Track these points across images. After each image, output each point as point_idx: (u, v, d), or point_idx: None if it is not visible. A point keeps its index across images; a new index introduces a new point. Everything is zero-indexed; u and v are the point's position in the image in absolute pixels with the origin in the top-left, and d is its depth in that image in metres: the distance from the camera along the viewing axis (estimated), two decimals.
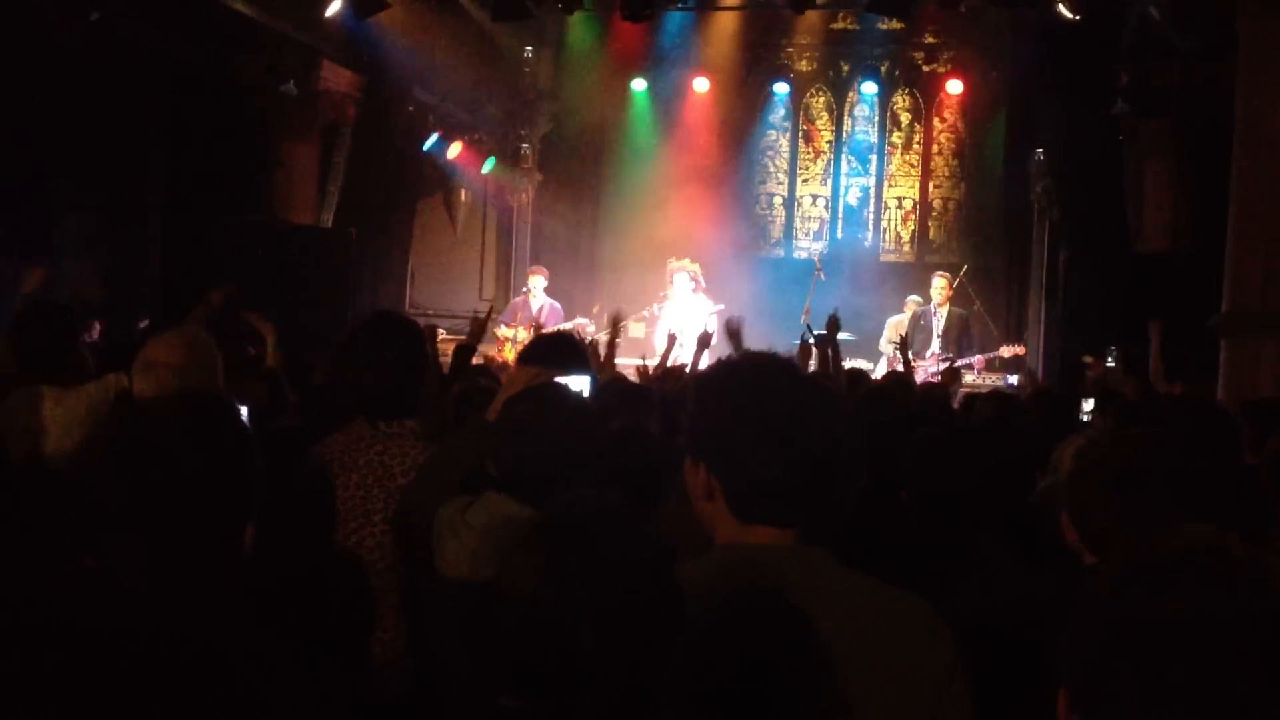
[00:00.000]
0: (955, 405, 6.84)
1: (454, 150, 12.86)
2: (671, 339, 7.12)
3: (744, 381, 1.84)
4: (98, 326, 8.57)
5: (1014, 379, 10.44)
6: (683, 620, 1.55)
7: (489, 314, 6.86)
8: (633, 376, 5.93)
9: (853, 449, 2.84)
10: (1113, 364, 7.95)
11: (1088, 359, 7.98)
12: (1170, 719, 1.11)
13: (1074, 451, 3.25)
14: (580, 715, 1.47)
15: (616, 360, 6.58)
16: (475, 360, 5.76)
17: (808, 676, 1.64)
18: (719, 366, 1.95)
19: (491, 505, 2.59)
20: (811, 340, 5.84)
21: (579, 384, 3.37)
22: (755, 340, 8.82)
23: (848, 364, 6.85)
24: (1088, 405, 5.76)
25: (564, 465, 2.59)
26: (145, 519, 1.71)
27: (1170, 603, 1.14)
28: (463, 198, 13.88)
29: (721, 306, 10.78)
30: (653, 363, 6.76)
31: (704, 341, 6.33)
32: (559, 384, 2.90)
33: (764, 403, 1.78)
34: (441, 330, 11.41)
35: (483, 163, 13.32)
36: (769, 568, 1.75)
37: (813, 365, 5.57)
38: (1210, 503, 1.97)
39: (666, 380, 5.76)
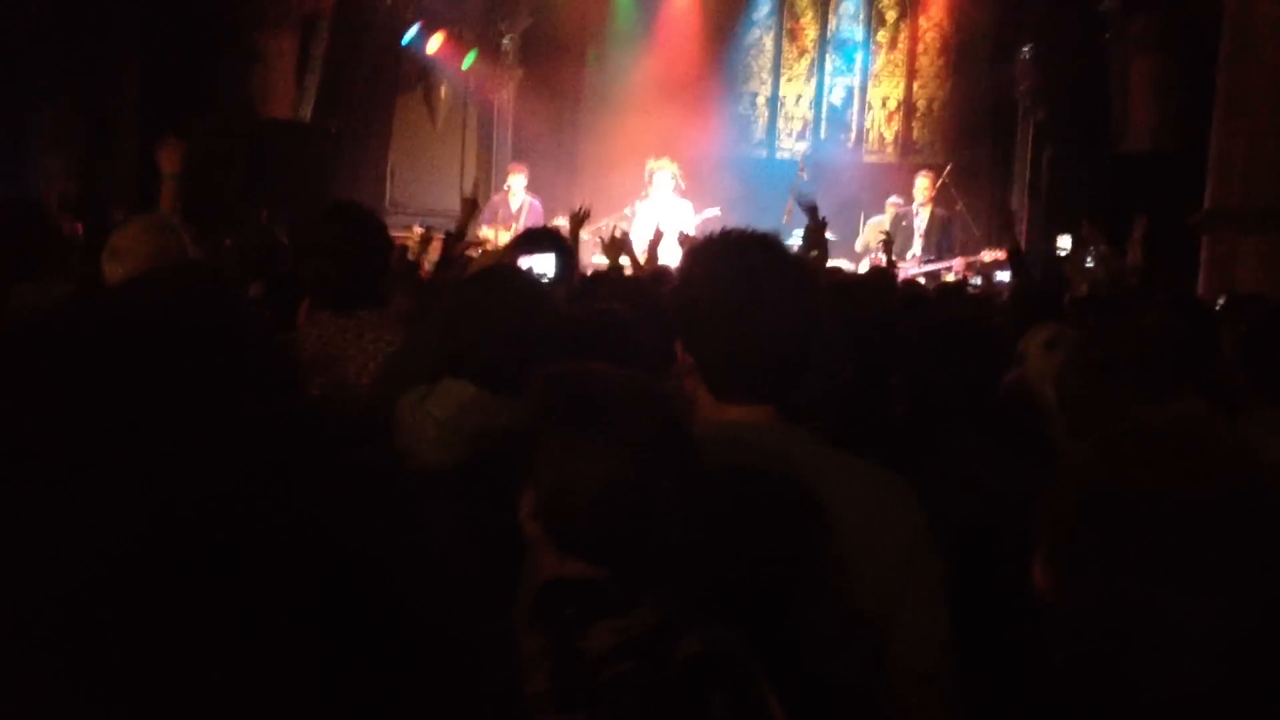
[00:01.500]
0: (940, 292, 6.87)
1: (435, 43, 12.65)
2: (658, 234, 7.09)
3: (718, 259, 1.85)
4: (75, 223, 8.48)
5: (1004, 275, 10.43)
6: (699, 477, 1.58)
7: (474, 199, 6.75)
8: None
9: (832, 334, 2.86)
10: (1091, 263, 7.97)
11: (1061, 246, 7.97)
12: (1140, 587, 1.14)
13: (1041, 341, 3.30)
14: (645, 571, 1.51)
15: (599, 261, 6.57)
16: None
17: (813, 542, 1.69)
18: (701, 243, 1.95)
19: (449, 392, 2.56)
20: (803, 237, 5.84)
21: (544, 263, 3.35)
22: None
23: (830, 264, 6.85)
24: None
25: (516, 347, 2.51)
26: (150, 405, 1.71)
27: (1147, 474, 1.17)
28: (443, 94, 13.69)
29: (716, 212, 10.72)
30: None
31: (685, 243, 6.31)
32: (510, 266, 2.87)
33: (736, 279, 1.79)
34: (419, 229, 11.39)
35: (463, 57, 13.11)
36: (748, 441, 1.78)
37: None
38: (1187, 383, 2.00)
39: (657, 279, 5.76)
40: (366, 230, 3.26)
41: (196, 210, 4.56)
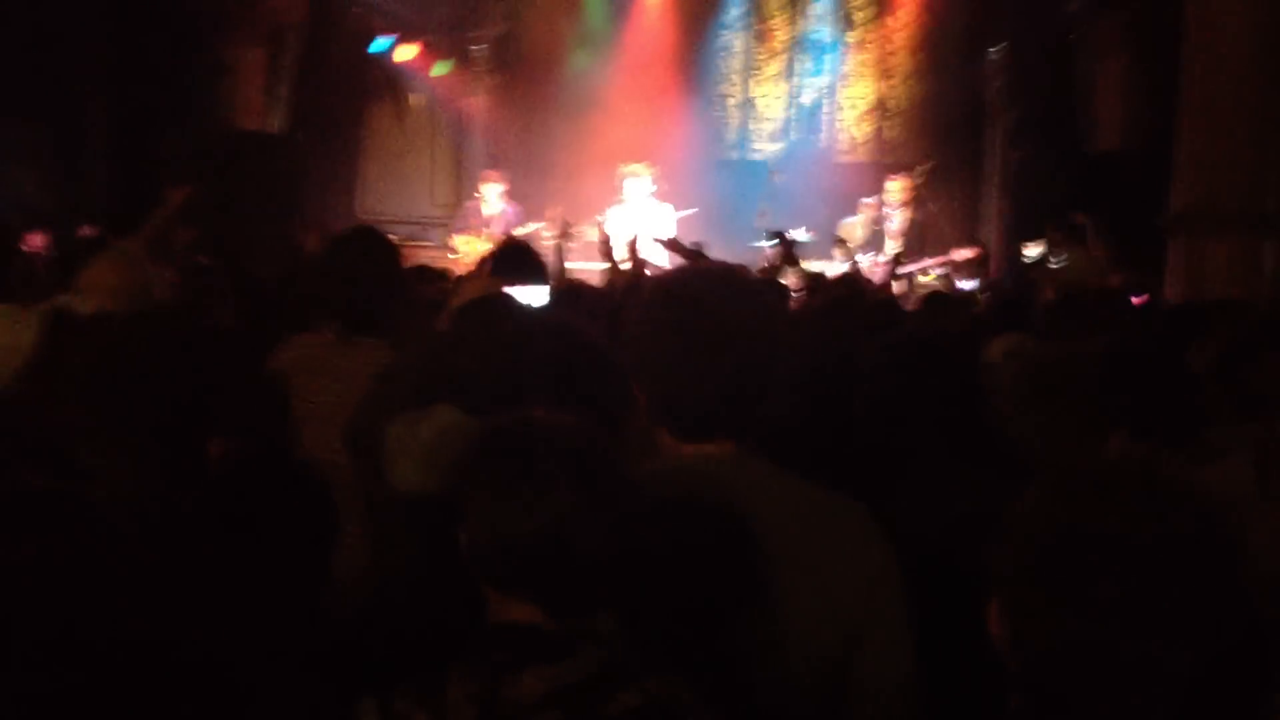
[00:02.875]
0: (909, 307, 6.88)
1: (404, 52, 12.61)
2: (634, 240, 7.09)
3: (669, 299, 1.83)
4: (44, 237, 8.42)
5: (970, 284, 10.47)
6: (644, 513, 1.57)
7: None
8: (597, 281, 5.93)
9: (800, 358, 2.87)
10: (1058, 265, 8.02)
11: (1028, 254, 8.02)
12: (1090, 631, 1.15)
13: (1000, 353, 3.31)
14: (572, 613, 1.49)
15: (573, 265, 6.56)
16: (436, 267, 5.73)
17: (747, 573, 1.68)
18: (650, 284, 1.94)
19: (438, 418, 2.58)
20: (770, 245, 5.85)
21: (535, 295, 3.37)
22: (709, 243, 8.83)
23: (804, 266, 6.86)
24: None
25: (509, 375, 2.57)
26: (117, 437, 1.70)
27: (1094, 521, 1.18)
28: (414, 102, 13.64)
29: (695, 210, 10.75)
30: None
31: (669, 247, 6.31)
32: (506, 294, 2.89)
33: (690, 323, 1.77)
34: (393, 237, 11.34)
35: (433, 65, 13.07)
36: (706, 475, 1.76)
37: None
38: (1137, 413, 2.01)
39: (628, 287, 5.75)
40: (388, 258, 3.26)
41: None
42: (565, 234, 6.47)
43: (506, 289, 2.93)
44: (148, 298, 3.30)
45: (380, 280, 3.19)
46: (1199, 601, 1.16)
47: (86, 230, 8.33)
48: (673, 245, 6.32)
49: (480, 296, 2.89)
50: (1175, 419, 2.09)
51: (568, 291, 4.47)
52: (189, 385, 1.78)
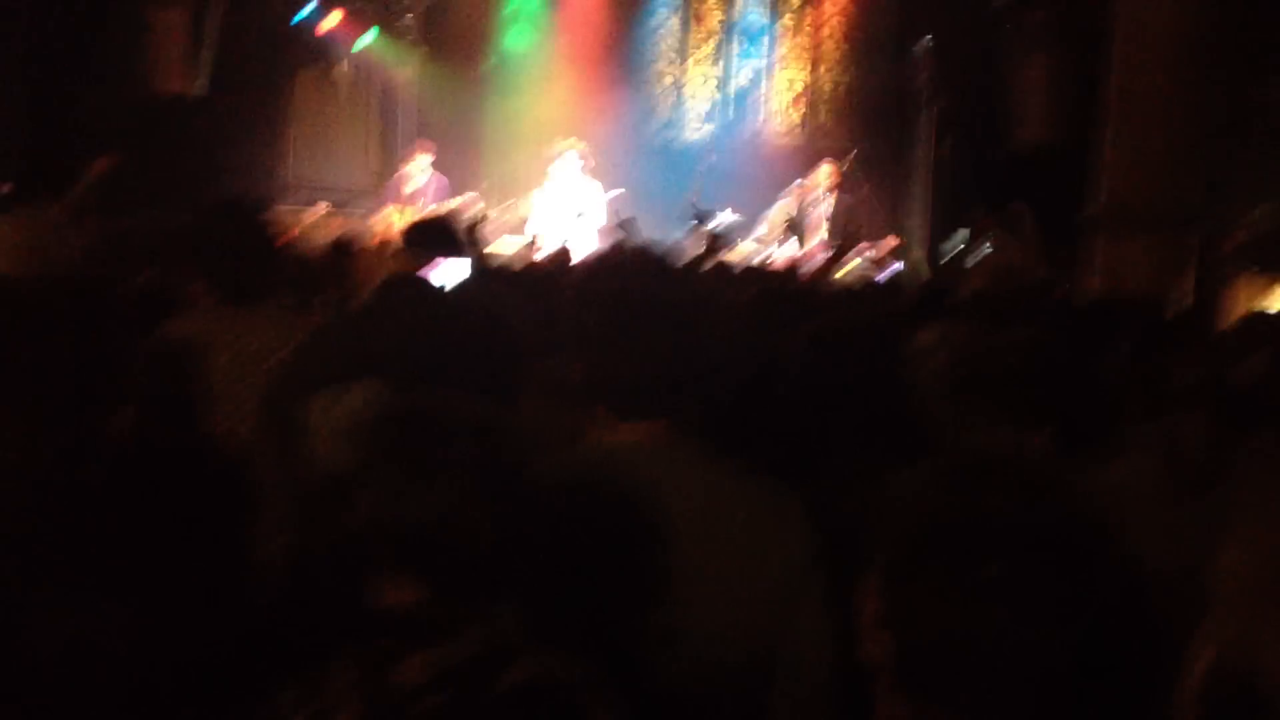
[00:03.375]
0: (837, 291, 6.93)
1: (331, 20, 12.41)
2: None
3: (610, 280, 1.85)
4: None
5: (896, 267, 10.56)
6: (531, 514, 1.56)
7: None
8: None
9: (731, 342, 2.87)
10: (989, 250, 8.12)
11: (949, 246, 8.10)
12: (961, 616, 1.17)
13: (925, 342, 3.34)
14: (455, 596, 1.47)
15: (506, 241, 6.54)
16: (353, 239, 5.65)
17: (654, 561, 1.68)
18: (591, 263, 1.95)
19: (362, 392, 2.55)
20: (700, 226, 5.85)
21: (455, 270, 3.35)
22: (641, 224, 8.82)
23: (736, 249, 6.88)
24: None
25: (424, 354, 2.54)
26: (13, 407, 1.65)
27: (969, 506, 1.20)
28: (345, 70, 13.43)
29: (621, 191, 10.73)
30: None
31: (605, 232, 6.33)
32: (414, 274, 2.87)
33: (628, 300, 1.79)
34: (323, 204, 11.18)
35: (362, 34, 12.88)
36: (627, 462, 1.77)
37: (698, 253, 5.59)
38: (1049, 407, 2.03)
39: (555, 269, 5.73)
40: (259, 226, 3.21)
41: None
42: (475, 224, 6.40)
43: (426, 265, 2.91)
44: (52, 260, 3.22)
45: (256, 251, 3.17)
46: (1066, 585, 1.18)
47: (5, 189, 8.11)
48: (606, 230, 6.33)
49: (399, 274, 2.86)
50: (1089, 415, 2.12)
51: (500, 271, 4.45)
52: (92, 353, 1.73)
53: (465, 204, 10.32)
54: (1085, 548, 1.20)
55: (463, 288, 3.36)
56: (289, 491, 2.90)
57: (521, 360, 2.94)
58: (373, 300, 2.75)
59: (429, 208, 10.17)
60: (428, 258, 3.04)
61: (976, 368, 2.12)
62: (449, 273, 3.13)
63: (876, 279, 9.14)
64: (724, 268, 6.48)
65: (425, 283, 2.82)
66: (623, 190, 10.68)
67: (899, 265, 10.60)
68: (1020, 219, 7.85)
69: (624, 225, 5.85)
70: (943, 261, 9.98)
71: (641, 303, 1.80)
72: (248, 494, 2.51)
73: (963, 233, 8.97)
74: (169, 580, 1.66)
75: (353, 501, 1.52)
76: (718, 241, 5.17)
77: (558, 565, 1.59)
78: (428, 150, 11.17)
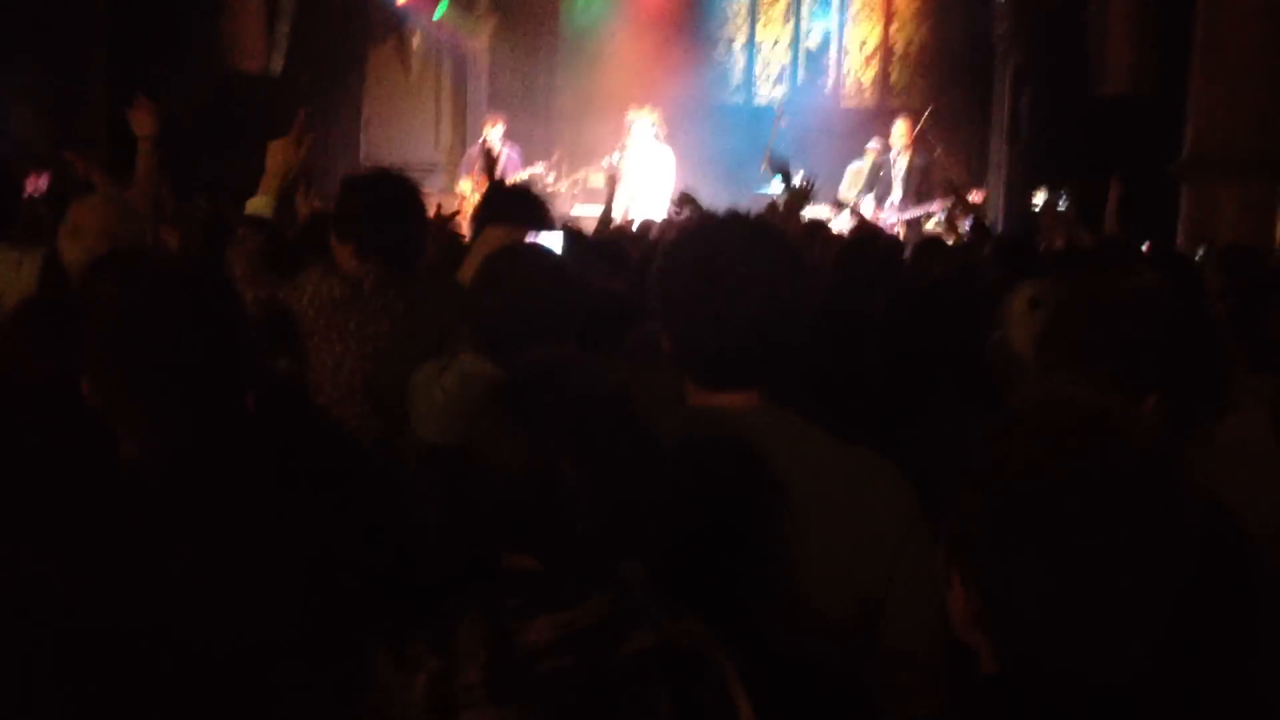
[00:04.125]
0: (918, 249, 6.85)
1: None
2: (612, 181, 7.05)
3: (695, 248, 1.84)
4: (46, 177, 8.38)
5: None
6: (656, 458, 1.55)
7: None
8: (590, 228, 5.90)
9: (817, 308, 2.85)
10: (1064, 209, 7.97)
11: (1036, 202, 7.97)
12: (1059, 578, 1.15)
13: (1025, 299, 3.28)
14: (576, 563, 1.48)
15: (578, 211, 6.56)
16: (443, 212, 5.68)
17: (771, 521, 1.68)
18: (677, 233, 1.94)
19: (463, 366, 2.58)
20: (782, 193, 5.79)
21: (551, 241, 3.36)
22: (715, 189, 8.77)
23: (808, 213, 6.80)
24: None
25: (541, 324, 2.56)
26: (148, 391, 1.66)
27: (1046, 467, 1.18)
28: (416, 44, 13.50)
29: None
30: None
31: (680, 203, 6.30)
32: (534, 243, 2.87)
33: (714, 268, 1.78)
34: None
35: (435, 7, 12.93)
36: (733, 426, 1.77)
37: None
38: (1163, 370, 1.98)
39: (636, 237, 5.74)
40: (405, 195, 3.26)
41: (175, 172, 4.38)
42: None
43: (523, 235, 2.92)
44: (142, 238, 3.27)
45: (413, 220, 3.20)
46: (1151, 536, 1.16)
47: (79, 168, 8.27)
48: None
49: (507, 245, 2.87)
50: (1202, 375, 2.07)
51: (589, 240, 4.45)
52: (220, 334, 1.74)
53: (536, 176, 10.33)
54: (1167, 491, 1.18)
55: (566, 257, 3.36)
56: (406, 458, 2.94)
57: (621, 327, 2.95)
58: (484, 269, 2.75)
59: (504, 179, 10.21)
60: (523, 231, 3.06)
61: (1080, 329, 2.06)
62: (545, 243, 3.13)
63: (959, 234, 9.03)
64: (814, 225, 6.44)
65: (538, 250, 2.83)
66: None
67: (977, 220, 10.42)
68: (1104, 177, 7.69)
69: (683, 200, 5.82)
70: (1025, 218, 9.80)
71: (722, 269, 1.78)
72: (370, 465, 2.55)
73: (1040, 194, 8.79)
74: (307, 546, 1.69)
75: (475, 467, 1.53)
76: (803, 196, 5.11)
77: (682, 528, 1.59)
78: (499, 122, 11.18)
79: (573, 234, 4.02)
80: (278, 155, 3.35)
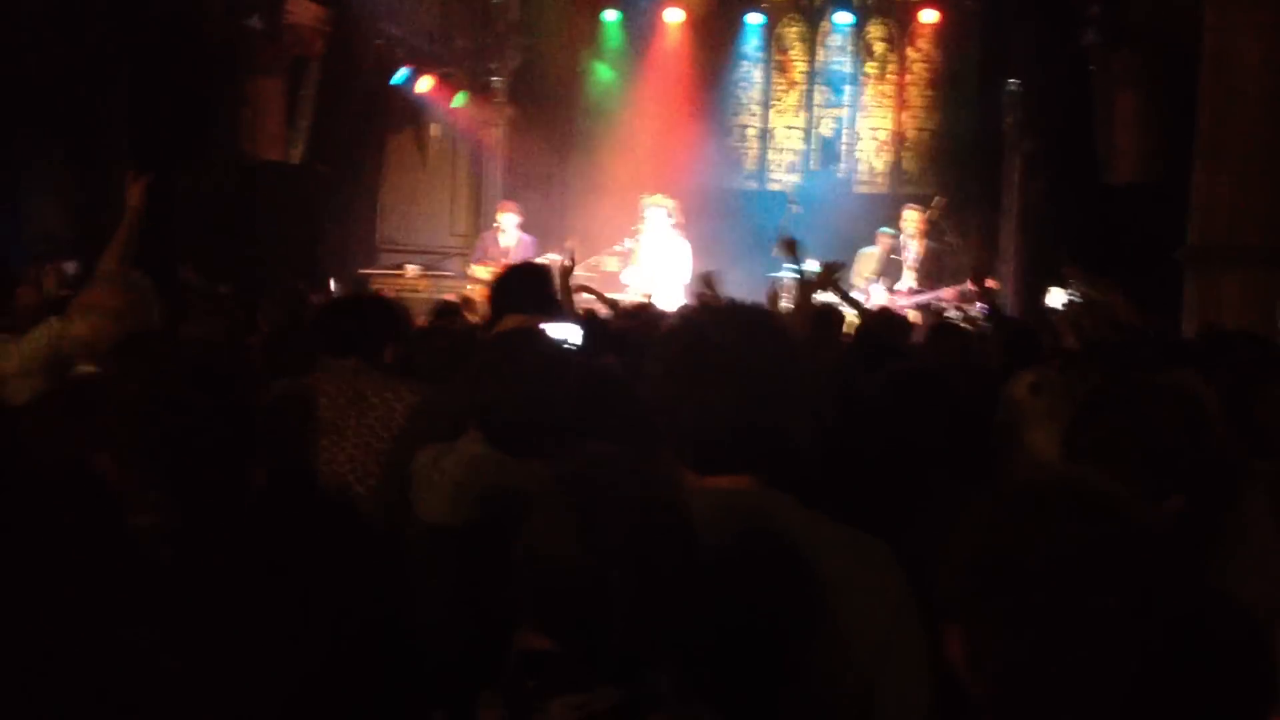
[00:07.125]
0: (920, 338, 6.89)
1: (423, 84, 12.73)
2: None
3: (688, 336, 1.86)
4: (72, 265, 8.52)
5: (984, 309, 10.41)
6: (699, 566, 1.58)
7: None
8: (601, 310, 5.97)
9: (817, 393, 2.88)
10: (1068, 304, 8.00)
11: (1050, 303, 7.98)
12: (1041, 644, 1.18)
13: (1026, 385, 3.31)
14: (607, 651, 1.50)
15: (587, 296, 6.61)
16: (452, 298, 5.77)
17: (809, 610, 1.70)
18: (673, 322, 1.98)
19: (464, 449, 2.63)
20: (799, 278, 5.83)
21: (568, 332, 3.41)
22: (728, 273, 8.84)
23: (819, 298, 6.85)
24: None
25: (536, 410, 2.60)
26: (161, 466, 1.72)
27: (1032, 536, 1.21)
28: (433, 133, 13.75)
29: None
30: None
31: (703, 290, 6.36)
32: (537, 329, 2.92)
33: (703, 357, 1.80)
34: (413, 268, 11.40)
35: (453, 97, 13.19)
36: (733, 508, 1.78)
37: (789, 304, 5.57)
38: (1187, 478, 1.99)
39: (636, 320, 5.79)
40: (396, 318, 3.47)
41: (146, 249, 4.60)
42: (567, 274, 6.41)
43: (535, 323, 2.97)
44: (149, 319, 3.38)
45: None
46: (1136, 605, 1.18)
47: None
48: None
49: (513, 329, 2.92)
50: (1224, 473, 2.08)
51: (587, 324, 4.50)
52: (232, 413, 1.80)
53: (551, 265, 10.41)
54: (1149, 562, 1.21)
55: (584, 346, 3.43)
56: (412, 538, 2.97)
57: (637, 414, 2.98)
58: (487, 352, 2.81)
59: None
60: (538, 320, 3.12)
61: (1114, 427, 2.06)
62: (563, 334, 3.19)
63: (969, 322, 9.07)
64: (827, 309, 6.48)
65: (542, 335, 2.88)
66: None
67: (986, 308, 10.46)
68: (1114, 261, 7.75)
69: (705, 279, 5.88)
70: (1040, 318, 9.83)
71: (714, 356, 1.81)
72: (376, 543, 2.58)
73: (1055, 292, 8.83)
74: (316, 623, 1.71)
75: (501, 553, 1.55)
76: (825, 280, 5.13)
77: (716, 632, 1.61)
78: (515, 210, 11.27)
79: (591, 323, 4.08)
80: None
